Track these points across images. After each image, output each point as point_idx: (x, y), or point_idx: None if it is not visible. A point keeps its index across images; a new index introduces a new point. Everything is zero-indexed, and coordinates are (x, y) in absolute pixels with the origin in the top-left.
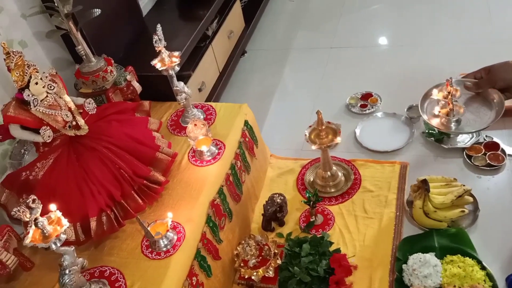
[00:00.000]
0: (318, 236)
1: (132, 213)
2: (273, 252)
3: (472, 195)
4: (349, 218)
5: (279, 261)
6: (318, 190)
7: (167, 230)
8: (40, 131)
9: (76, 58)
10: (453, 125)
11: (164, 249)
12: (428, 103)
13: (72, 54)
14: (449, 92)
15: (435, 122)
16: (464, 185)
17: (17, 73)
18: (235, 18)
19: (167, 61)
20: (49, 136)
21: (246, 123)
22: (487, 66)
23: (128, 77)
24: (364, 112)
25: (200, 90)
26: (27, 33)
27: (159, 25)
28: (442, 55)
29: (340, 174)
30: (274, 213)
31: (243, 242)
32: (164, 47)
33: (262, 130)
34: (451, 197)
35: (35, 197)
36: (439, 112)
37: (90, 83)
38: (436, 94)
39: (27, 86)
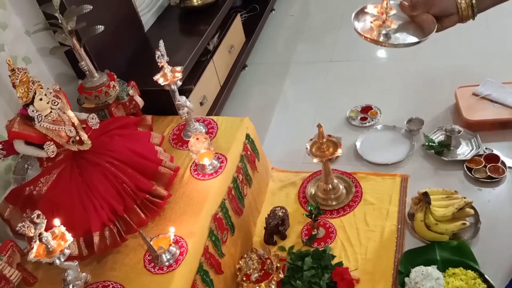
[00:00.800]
0: (320, 249)
1: (134, 228)
2: (275, 266)
3: (473, 208)
4: (351, 231)
5: (281, 275)
6: (320, 203)
7: (170, 245)
8: (44, 146)
9: (79, 73)
10: (381, 38)
11: (167, 263)
12: (361, 17)
13: (75, 69)
14: (384, 8)
15: (366, 33)
16: (465, 198)
17: (22, 90)
18: (235, 32)
19: (169, 76)
20: (53, 151)
21: (247, 136)
22: None
23: (131, 92)
24: (364, 125)
25: (201, 104)
26: (31, 49)
27: (161, 41)
28: (441, 68)
29: (341, 187)
30: (276, 227)
31: (245, 256)
32: (167, 62)
33: (263, 143)
34: (452, 210)
35: (39, 212)
36: (371, 22)
37: (93, 98)
38: (371, 9)
39: (32, 102)
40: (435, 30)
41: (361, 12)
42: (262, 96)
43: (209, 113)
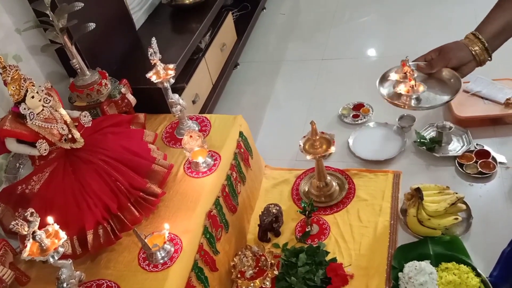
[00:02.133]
0: (314, 246)
1: (128, 226)
2: (269, 262)
3: (465, 203)
4: (344, 227)
5: (276, 272)
6: (313, 200)
7: (164, 242)
8: (36, 144)
9: (70, 71)
10: (413, 103)
11: (162, 261)
12: (386, 85)
13: (66, 67)
14: (405, 72)
15: (398, 101)
16: (456, 193)
17: (13, 87)
18: (227, 31)
19: (162, 73)
20: (45, 150)
21: (241, 134)
22: (437, 47)
23: (123, 90)
24: (357, 122)
25: (194, 102)
26: (21, 48)
27: (154, 39)
28: None
29: (334, 183)
30: (270, 224)
31: (239, 253)
32: (159, 59)
33: (256, 141)
34: (444, 205)
35: (33, 210)
36: (400, 91)
37: (84, 96)
38: (393, 75)
39: (23, 100)
40: (462, 85)
41: (384, 79)
42: (254, 94)
43: (201, 112)
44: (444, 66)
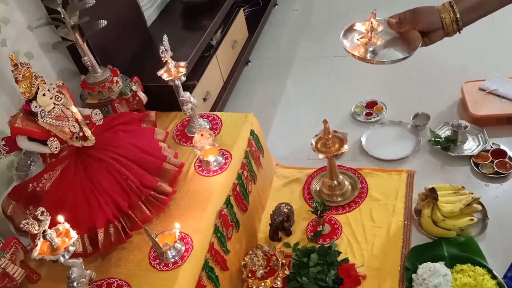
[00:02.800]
0: (326, 245)
1: (139, 224)
2: (280, 262)
3: (480, 203)
4: (357, 227)
5: (287, 272)
6: (325, 199)
7: (175, 241)
8: (47, 142)
9: (82, 69)
10: (368, 55)
11: (172, 260)
12: (350, 34)
13: (77, 65)
14: (371, 23)
15: (352, 50)
16: (472, 193)
17: (24, 85)
18: (238, 27)
19: (173, 71)
20: (56, 148)
21: (252, 132)
22: (413, 8)
23: (134, 88)
24: (370, 120)
25: (204, 99)
26: (33, 45)
27: (165, 36)
28: (447, 63)
29: (346, 183)
30: (281, 223)
31: (250, 252)
32: (171, 57)
33: (267, 139)
34: (459, 206)
35: (43, 209)
36: (358, 40)
37: (96, 94)
38: (359, 26)
39: (35, 98)
40: (419, 46)
41: (350, 29)
42: (266, 91)
43: (212, 109)
44: (412, 27)
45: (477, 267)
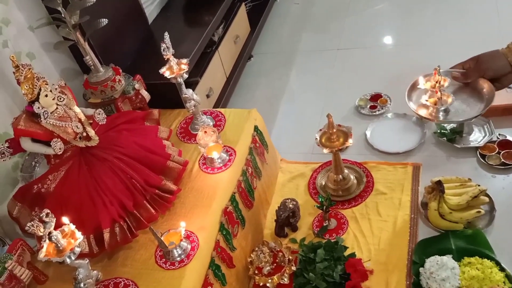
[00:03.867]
0: (332, 241)
1: (145, 223)
2: (287, 258)
3: (487, 195)
4: (363, 221)
5: (293, 268)
6: (330, 194)
7: (181, 240)
8: (51, 143)
9: (84, 68)
10: (441, 115)
11: (178, 258)
12: (415, 93)
13: (80, 64)
14: (436, 81)
15: (422, 112)
16: (479, 185)
17: (26, 86)
18: (240, 22)
19: (175, 69)
20: (60, 148)
21: (256, 128)
22: (475, 56)
23: (137, 86)
24: (374, 113)
25: (208, 96)
26: (34, 45)
27: (166, 33)
28: (450, 54)
29: (352, 177)
30: (287, 219)
31: (256, 249)
32: (172, 54)
33: (272, 135)
34: (466, 198)
35: (48, 211)
36: (427, 101)
37: (98, 93)
38: (423, 84)
39: (37, 99)
40: (494, 98)
41: (414, 87)
42: (269, 86)
43: (215, 106)
44: (479, 77)
45: (485, 259)
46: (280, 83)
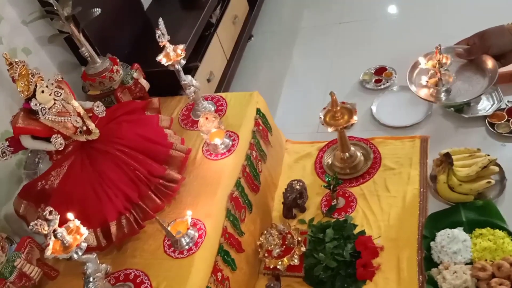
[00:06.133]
0: (341, 219)
1: (151, 214)
2: (296, 240)
3: (497, 165)
4: (372, 198)
5: (303, 249)
6: (338, 172)
7: (188, 228)
8: (51, 139)
9: (82, 60)
10: (443, 96)
11: (187, 247)
12: (416, 73)
13: (77, 56)
14: (438, 61)
15: (423, 93)
16: (488, 155)
17: (22, 83)
18: (238, 2)
19: (172, 55)
20: (60, 144)
21: (258, 111)
22: (480, 31)
23: (135, 75)
24: (379, 87)
25: (208, 80)
26: (29, 40)
27: (161, 19)
28: (456, 23)
29: (359, 154)
30: (294, 200)
31: (265, 232)
32: (168, 41)
33: (276, 116)
34: (476, 169)
35: (51, 209)
36: (427, 82)
37: (97, 85)
38: (424, 63)
39: (34, 95)
40: (497, 73)
41: (415, 67)
42: (271, 66)
43: (217, 90)
44: (484, 53)
45: (497, 230)
46: (282, 62)
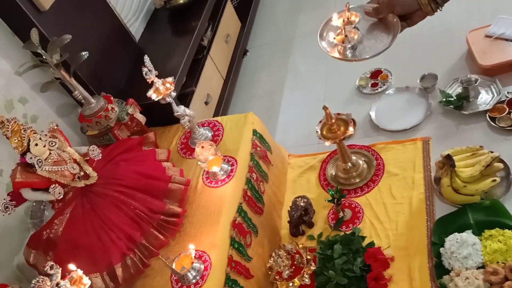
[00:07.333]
0: (348, 233)
1: (155, 251)
2: (305, 259)
3: (501, 161)
4: (378, 207)
5: (313, 267)
6: (342, 182)
7: (192, 263)
8: (49, 190)
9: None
10: (348, 52)
11: (194, 281)
12: (327, 30)
13: (74, 97)
14: (347, 18)
15: (334, 52)
16: (491, 152)
17: (15, 139)
18: (229, 20)
19: (162, 89)
20: (59, 193)
21: (254, 132)
22: None
23: (130, 111)
24: (376, 91)
25: (206, 103)
26: (25, 89)
27: (146, 57)
28: (447, 14)
29: (361, 162)
30: (300, 217)
31: (273, 254)
32: (156, 75)
33: (277, 130)
34: (479, 168)
35: (52, 263)
36: (334, 38)
37: (94, 125)
38: (336, 20)
39: (28, 149)
40: (399, 31)
41: (328, 24)
42: (269, 79)
43: (216, 110)
44: (390, 13)
45: (506, 230)
46: (279, 74)
